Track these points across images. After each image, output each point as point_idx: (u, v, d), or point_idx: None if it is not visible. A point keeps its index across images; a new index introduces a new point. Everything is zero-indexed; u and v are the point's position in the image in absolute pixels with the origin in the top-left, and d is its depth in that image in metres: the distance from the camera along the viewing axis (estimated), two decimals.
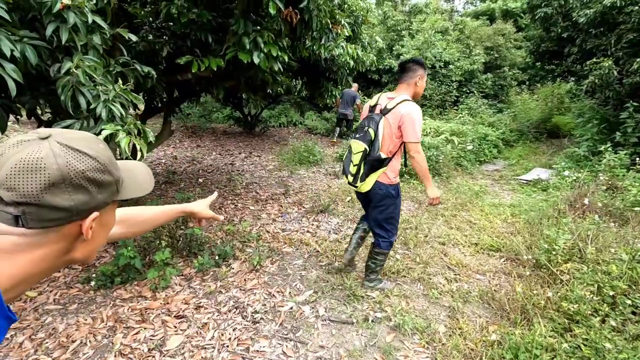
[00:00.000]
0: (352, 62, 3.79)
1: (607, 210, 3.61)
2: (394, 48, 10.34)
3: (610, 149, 5.17)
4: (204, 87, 3.50)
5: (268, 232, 3.60)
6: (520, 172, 6.54)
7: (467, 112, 9.17)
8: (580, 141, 6.71)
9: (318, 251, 3.22)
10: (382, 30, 11.28)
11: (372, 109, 2.36)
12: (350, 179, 2.34)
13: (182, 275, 2.83)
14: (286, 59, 2.72)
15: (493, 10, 15.56)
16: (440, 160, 6.09)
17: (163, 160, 6.75)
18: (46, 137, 0.53)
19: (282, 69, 2.82)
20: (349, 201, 4.61)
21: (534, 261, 2.92)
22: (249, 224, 3.76)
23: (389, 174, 2.32)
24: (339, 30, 3.03)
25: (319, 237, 3.55)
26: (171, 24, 2.55)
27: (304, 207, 4.39)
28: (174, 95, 3.88)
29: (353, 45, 3.77)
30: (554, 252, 2.63)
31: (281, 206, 4.39)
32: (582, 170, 5.31)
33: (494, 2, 16.04)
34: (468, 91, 10.07)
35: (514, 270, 2.96)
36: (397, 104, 2.21)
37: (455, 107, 9.76)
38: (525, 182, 5.97)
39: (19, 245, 0.54)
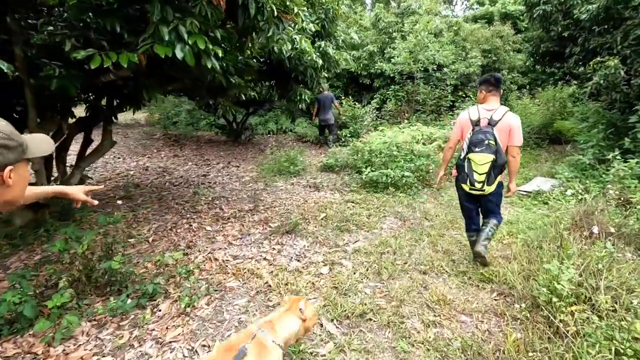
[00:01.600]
0: (319, 61, 3.27)
1: (620, 232, 3.04)
2: (385, 51, 9.87)
3: (619, 156, 4.61)
4: (132, 90, 2.98)
5: (216, 259, 3.05)
6: (520, 182, 5.97)
7: None
8: (584, 148, 6.14)
9: (269, 286, 2.67)
10: (374, 34, 10.84)
11: (477, 122, 2.62)
12: (479, 186, 2.64)
13: (94, 320, 2.29)
14: (220, 53, 2.20)
15: (492, 14, 15.12)
16: (431, 170, 5.55)
17: (132, 172, 6.26)
18: None
19: (217, 66, 2.31)
20: (322, 219, 4.07)
21: (532, 300, 2.36)
22: (195, 251, 3.22)
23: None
24: (292, 20, 2.52)
25: (277, 265, 3.00)
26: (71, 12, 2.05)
27: (269, 227, 3.85)
28: (113, 102, 3.37)
29: (323, 42, 3.26)
30: (555, 294, 2.07)
31: (243, 225, 3.85)
32: (587, 182, 4.75)
33: (493, 5, 15.60)
34: (464, 95, 9.54)
35: (507, 310, 2.40)
36: (503, 115, 2.56)
37: (451, 113, 9.23)
38: (524, 193, 5.40)
39: None
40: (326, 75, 5.35)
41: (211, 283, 2.66)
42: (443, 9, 16.85)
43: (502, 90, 2.70)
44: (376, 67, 9.67)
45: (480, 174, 2.60)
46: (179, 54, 2.10)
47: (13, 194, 0.91)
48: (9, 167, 0.86)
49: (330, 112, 8.04)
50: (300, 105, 4.14)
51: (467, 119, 2.68)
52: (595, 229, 2.71)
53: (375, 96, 10.12)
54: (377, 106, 9.36)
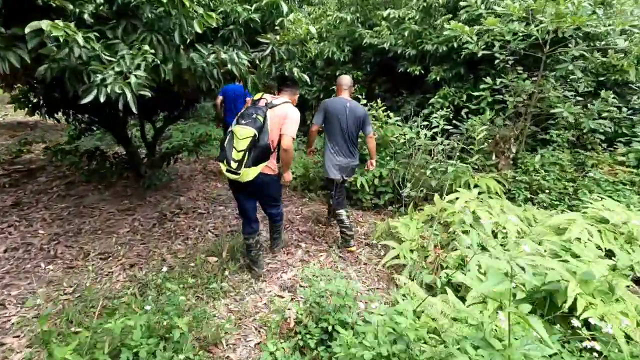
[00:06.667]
0: None
1: None
2: (460, 2, 4.56)
3: None
4: None
5: None
6: None
7: None
8: None
9: None
10: None
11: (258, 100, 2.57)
12: (234, 166, 2.31)
13: None
14: None
15: None
16: None
17: None
18: None
19: None
20: None
21: None
22: None
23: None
24: None
25: None
26: None
27: None
28: None
29: None
30: None
31: None
32: None
33: None
34: None
35: None
36: (283, 102, 2.57)
37: (611, 149, 3.94)
38: None
39: None
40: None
41: None
42: None
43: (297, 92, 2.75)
44: (435, 36, 4.40)
45: (238, 151, 2.27)
46: None
47: None
48: None
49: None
50: None
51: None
52: None
53: (431, 101, 4.91)
54: (436, 123, 4.18)
